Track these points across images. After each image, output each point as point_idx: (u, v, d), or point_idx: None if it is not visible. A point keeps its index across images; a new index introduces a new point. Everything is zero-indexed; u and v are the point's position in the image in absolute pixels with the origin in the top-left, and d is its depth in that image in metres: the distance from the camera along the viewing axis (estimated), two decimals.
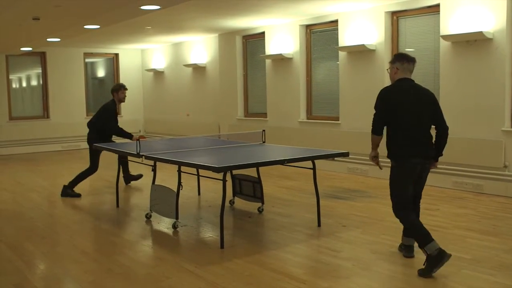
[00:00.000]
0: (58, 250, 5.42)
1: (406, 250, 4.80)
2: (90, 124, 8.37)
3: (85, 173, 8.15)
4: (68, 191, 8.05)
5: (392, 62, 4.72)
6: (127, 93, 8.40)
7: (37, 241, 5.65)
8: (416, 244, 4.57)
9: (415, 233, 4.48)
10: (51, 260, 5.06)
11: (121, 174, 8.50)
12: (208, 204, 7.19)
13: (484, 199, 7.04)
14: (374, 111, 4.63)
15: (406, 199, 4.56)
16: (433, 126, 4.69)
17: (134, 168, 8.77)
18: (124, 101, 8.43)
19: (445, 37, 7.56)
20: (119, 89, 8.25)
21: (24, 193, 8.41)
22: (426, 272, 4.26)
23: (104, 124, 8.13)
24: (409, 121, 4.49)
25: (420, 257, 4.55)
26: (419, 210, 4.84)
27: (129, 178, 8.83)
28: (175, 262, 4.81)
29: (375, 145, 4.78)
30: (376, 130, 4.66)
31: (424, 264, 4.30)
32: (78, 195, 8.03)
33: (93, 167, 8.10)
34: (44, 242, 5.63)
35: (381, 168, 4.98)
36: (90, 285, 4.30)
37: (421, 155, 4.55)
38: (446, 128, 4.71)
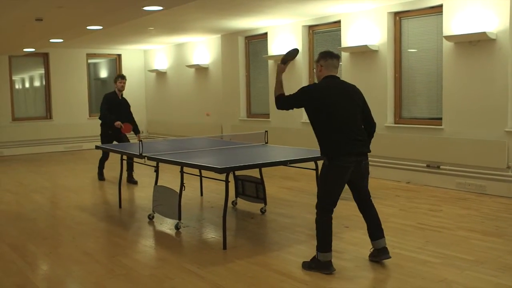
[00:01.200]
0: (60, 251, 5.42)
1: (382, 252, 4.61)
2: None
3: (100, 161, 9.27)
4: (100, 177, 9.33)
5: (317, 61, 4.66)
6: (131, 92, 8.73)
7: (39, 242, 5.65)
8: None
9: (322, 237, 4.41)
10: (53, 261, 5.06)
11: (125, 174, 8.65)
12: (210, 205, 7.18)
13: (487, 200, 7.02)
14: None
15: (335, 201, 4.52)
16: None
17: (136, 169, 8.78)
18: (122, 90, 9.07)
19: (448, 38, 7.55)
20: (116, 80, 9.09)
21: (26, 194, 8.42)
22: (307, 267, 4.47)
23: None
24: (342, 119, 4.40)
25: (420, 257, 4.55)
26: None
27: (130, 179, 8.95)
28: (178, 263, 4.80)
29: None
30: (282, 102, 4.80)
31: (311, 259, 4.49)
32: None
33: (104, 153, 9.01)
34: (47, 243, 5.63)
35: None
36: (93, 286, 4.30)
37: (356, 152, 4.45)
38: (374, 125, 4.70)
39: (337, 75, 4.64)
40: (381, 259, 4.59)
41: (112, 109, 8.85)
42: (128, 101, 9.25)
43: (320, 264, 4.39)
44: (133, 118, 9.23)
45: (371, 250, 4.69)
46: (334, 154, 4.38)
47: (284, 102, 4.73)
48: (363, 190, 4.76)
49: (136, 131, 9.14)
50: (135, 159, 6.37)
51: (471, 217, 6.18)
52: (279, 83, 4.82)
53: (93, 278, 4.48)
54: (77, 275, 4.63)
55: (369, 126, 4.66)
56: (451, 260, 4.63)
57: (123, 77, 9.12)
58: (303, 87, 4.67)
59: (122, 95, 9.09)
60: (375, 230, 4.66)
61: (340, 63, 9.44)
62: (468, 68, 7.50)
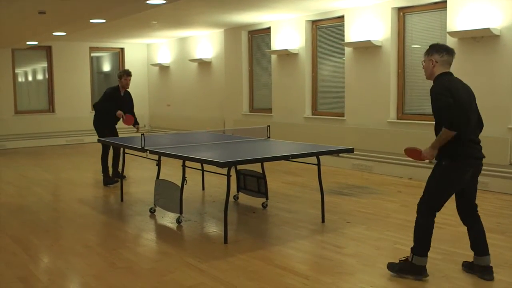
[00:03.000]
0: (62, 243, 5.43)
1: (485, 272, 4.16)
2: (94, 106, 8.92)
3: (101, 157, 8.55)
4: (108, 180, 8.47)
5: (430, 54, 4.30)
6: (133, 86, 8.50)
7: (41, 235, 5.66)
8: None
9: (422, 239, 4.13)
10: (55, 253, 5.08)
11: (105, 171, 8.56)
12: (212, 199, 7.18)
13: (490, 196, 7.01)
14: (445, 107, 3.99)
15: (443, 204, 4.28)
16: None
17: (138, 162, 8.77)
18: (127, 88, 8.63)
19: (452, 34, 7.52)
20: (122, 76, 8.56)
21: (29, 187, 8.43)
22: (394, 269, 4.20)
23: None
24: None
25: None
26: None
27: (115, 174, 8.72)
28: (179, 256, 4.81)
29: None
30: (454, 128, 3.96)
31: (399, 260, 4.22)
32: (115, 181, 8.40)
33: (103, 148, 8.50)
34: (48, 236, 5.65)
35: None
36: (94, 278, 4.31)
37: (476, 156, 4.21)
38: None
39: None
40: (483, 278, 4.15)
41: (114, 103, 8.46)
42: (132, 96, 8.92)
43: (415, 268, 4.08)
44: (133, 112, 8.88)
45: (467, 262, 4.36)
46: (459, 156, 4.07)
47: (455, 127, 3.94)
48: (473, 199, 4.40)
49: (136, 123, 8.74)
50: (137, 153, 6.35)
51: None
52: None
53: (94, 271, 4.49)
54: (78, 267, 4.63)
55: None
56: (453, 256, 4.63)
57: (129, 74, 8.55)
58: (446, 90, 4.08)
59: (125, 90, 8.73)
60: (479, 243, 4.26)
61: (343, 58, 9.48)
62: (472, 64, 7.47)
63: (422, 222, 4.16)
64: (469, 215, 4.35)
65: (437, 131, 4.10)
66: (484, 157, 4.19)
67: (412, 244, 4.18)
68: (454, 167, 4.08)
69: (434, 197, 4.21)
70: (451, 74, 4.24)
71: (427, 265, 4.13)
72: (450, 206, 6.45)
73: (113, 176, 8.55)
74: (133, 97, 8.97)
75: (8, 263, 4.72)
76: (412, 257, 4.11)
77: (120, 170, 7.47)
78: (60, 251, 5.13)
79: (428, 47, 4.31)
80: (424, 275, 4.10)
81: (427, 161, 4.31)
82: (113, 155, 8.54)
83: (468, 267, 4.30)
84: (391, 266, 4.24)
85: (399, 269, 4.18)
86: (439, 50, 4.22)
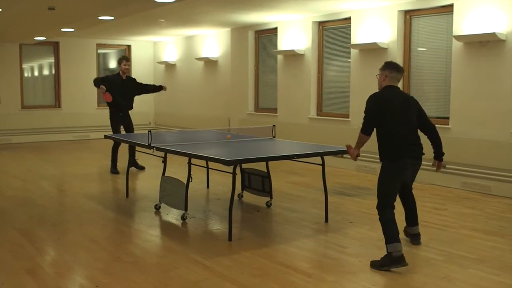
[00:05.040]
0: (68, 237, 5.51)
1: (415, 238, 5.11)
2: None
3: (113, 147, 9.02)
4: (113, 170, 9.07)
5: (384, 69, 5.00)
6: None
7: (48, 228, 5.74)
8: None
9: (388, 230, 4.56)
10: (61, 247, 5.15)
11: (114, 162, 8.87)
12: (217, 197, 7.24)
13: (492, 200, 7.05)
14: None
15: (394, 197, 4.80)
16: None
17: (144, 159, 8.84)
18: (126, 73, 9.10)
19: (458, 38, 7.56)
20: (121, 61, 9.08)
21: (35, 181, 8.51)
22: (377, 266, 4.44)
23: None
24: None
25: (424, 254, 4.61)
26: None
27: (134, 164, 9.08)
28: (184, 252, 4.87)
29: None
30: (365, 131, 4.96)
31: (381, 257, 4.47)
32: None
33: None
34: (55, 230, 5.72)
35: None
36: (100, 272, 4.38)
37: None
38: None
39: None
40: (413, 243, 5.05)
41: (113, 89, 8.88)
42: (136, 78, 9.45)
43: (393, 258, 4.40)
44: (147, 85, 9.47)
45: (406, 229, 5.20)
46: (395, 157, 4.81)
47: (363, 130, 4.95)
48: (410, 184, 5.16)
49: (158, 88, 9.39)
50: (144, 150, 6.42)
51: (475, 216, 6.22)
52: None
53: (100, 265, 4.56)
54: (85, 261, 4.70)
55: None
56: (454, 258, 4.68)
57: (127, 59, 9.14)
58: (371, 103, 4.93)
59: (126, 76, 9.15)
60: (412, 216, 5.14)
61: (349, 60, 9.52)
62: (477, 69, 7.52)
63: (384, 219, 4.65)
64: (406, 194, 5.13)
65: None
66: (423, 154, 4.99)
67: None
68: (394, 166, 4.76)
69: (387, 194, 4.74)
70: (394, 87, 4.94)
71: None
72: (451, 209, 6.54)
73: (129, 165, 8.65)
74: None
75: (16, 255, 4.79)
76: (387, 248, 4.45)
77: (128, 166, 7.52)
78: (67, 244, 5.21)
79: (383, 64, 5.05)
80: (403, 264, 4.38)
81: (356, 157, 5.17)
82: (129, 145, 8.64)
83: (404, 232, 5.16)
84: (373, 264, 4.50)
85: (380, 264, 4.45)
86: (390, 68, 4.96)
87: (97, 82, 9.00)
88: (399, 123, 4.78)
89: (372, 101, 4.85)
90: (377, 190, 4.81)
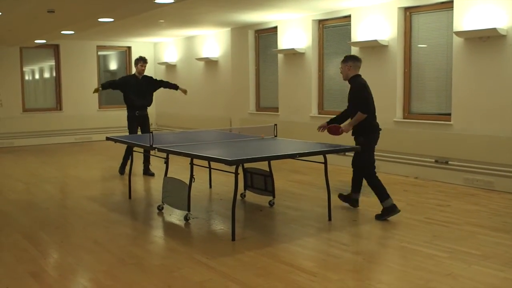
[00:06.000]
0: (71, 240, 5.50)
1: (355, 203, 6.42)
2: None
3: (127, 149, 8.73)
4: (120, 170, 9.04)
5: (346, 62, 6.13)
6: None
7: (51, 231, 5.74)
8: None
9: (380, 191, 5.93)
10: (65, 249, 5.14)
11: (139, 166, 8.73)
12: (219, 197, 7.24)
13: (495, 196, 7.04)
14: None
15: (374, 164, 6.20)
16: None
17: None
18: (143, 74, 9.06)
19: (458, 34, 7.55)
20: (137, 62, 9.04)
21: (38, 184, 8.51)
22: (380, 218, 5.83)
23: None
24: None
25: (428, 251, 4.60)
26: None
27: (146, 171, 8.99)
28: (187, 253, 4.87)
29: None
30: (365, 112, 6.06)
31: (381, 211, 5.87)
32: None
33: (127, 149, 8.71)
34: (58, 232, 5.72)
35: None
36: (103, 274, 4.37)
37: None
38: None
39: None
40: (355, 207, 6.44)
41: (129, 89, 8.89)
42: (152, 76, 9.42)
43: (389, 209, 5.84)
44: (165, 82, 9.42)
45: (351, 195, 6.50)
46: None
47: (367, 111, 6.04)
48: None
49: (174, 87, 9.40)
50: (144, 151, 6.42)
51: (479, 212, 6.21)
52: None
53: (104, 267, 4.55)
54: (89, 263, 4.70)
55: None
56: (458, 254, 4.67)
57: (145, 61, 9.08)
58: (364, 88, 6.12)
59: (143, 76, 9.10)
60: (360, 185, 6.43)
61: None
62: (478, 64, 7.50)
63: (374, 183, 6.01)
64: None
65: (352, 113, 6.08)
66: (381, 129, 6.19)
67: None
68: (372, 139, 6.14)
69: (371, 163, 6.14)
70: (360, 75, 6.17)
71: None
72: (455, 205, 6.54)
73: (144, 172, 9.02)
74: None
75: (19, 259, 4.79)
76: (382, 204, 5.88)
77: (130, 167, 7.52)
78: (70, 247, 5.20)
79: (344, 58, 6.23)
80: (397, 211, 5.85)
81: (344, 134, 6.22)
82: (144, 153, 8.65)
83: (343, 198, 6.51)
84: (378, 217, 5.88)
85: (381, 216, 5.86)
86: (352, 59, 6.18)
87: (106, 86, 9.08)
88: (373, 103, 6.07)
89: (364, 86, 6.06)
90: (362, 163, 6.12)
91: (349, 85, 6.23)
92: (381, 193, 5.92)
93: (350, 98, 6.19)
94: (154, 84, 9.25)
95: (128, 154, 8.50)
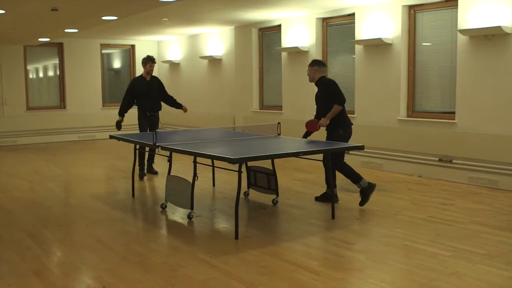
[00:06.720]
0: (75, 238, 5.51)
1: (335, 199, 6.31)
2: None
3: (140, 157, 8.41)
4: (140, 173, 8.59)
5: (313, 66, 6.62)
6: None
7: (54, 229, 5.74)
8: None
9: (353, 175, 6.33)
10: (68, 248, 5.15)
11: (141, 165, 8.63)
12: (223, 196, 7.23)
13: (499, 194, 7.01)
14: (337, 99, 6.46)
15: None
16: None
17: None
18: (151, 74, 8.81)
19: (463, 32, 7.52)
20: (146, 63, 8.74)
21: (41, 182, 8.52)
22: (364, 202, 6.28)
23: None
24: None
25: (432, 250, 4.58)
26: None
27: (150, 169, 8.89)
28: (190, 252, 4.86)
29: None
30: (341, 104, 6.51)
31: (360, 196, 6.29)
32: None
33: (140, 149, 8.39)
34: (62, 230, 5.72)
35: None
36: (106, 272, 4.37)
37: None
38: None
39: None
40: (336, 202, 6.44)
41: (139, 92, 8.63)
42: (162, 82, 9.10)
43: (366, 189, 6.29)
44: (169, 96, 9.08)
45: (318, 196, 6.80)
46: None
47: (342, 102, 6.47)
48: None
49: (178, 105, 9.07)
50: (149, 149, 6.41)
51: (483, 211, 6.18)
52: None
53: (106, 265, 4.55)
54: (92, 261, 4.70)
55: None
56: (462, 253, 4.65)
57: (153, 61, 8.77)
58: (334, 81, 6.65)
59: (151, 76, 8.85)
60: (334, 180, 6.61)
61: (353, 56, 9.48)
62: (482, 63, 7.47)
63: (346, 170, 6.39)
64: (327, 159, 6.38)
65: (324, 111, 6.48)
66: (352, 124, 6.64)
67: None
68: (345, 132, 6.50)
69: (342, 156, 6.49)
70: (325, 76, 6.68)
71: None
72: (458, 204, 6.52)
73: (146, 169, 8.81)
74: None
75: (23, 256, 4.79)
76: (359, 185, 6.30)
77: (133, 166, 7.52)
78: (73, 245, 5.21)
79: (311, 62, 6.74)
80: (374, 187, 6.34)
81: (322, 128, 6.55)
82: (149, 151, 8.49)
83: (321, 199, 6.69)
84: (361, 203, 6.30)
85: (363, 200, 6.31)
86: (318, 64, 6.66)
87: (123, 107, 8.73)
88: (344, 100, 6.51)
89: (335, 83, 6.58)
90: (342, 158, 6.42)
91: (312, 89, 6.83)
92: (354, 176, 6.31)
93: (320, 97, 6.62)
94: (164, 91, 9.00)
95: (139, 157, 8.33)
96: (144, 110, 8.67)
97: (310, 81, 6.73)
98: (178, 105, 9.10)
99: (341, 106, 6.36)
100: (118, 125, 8.69)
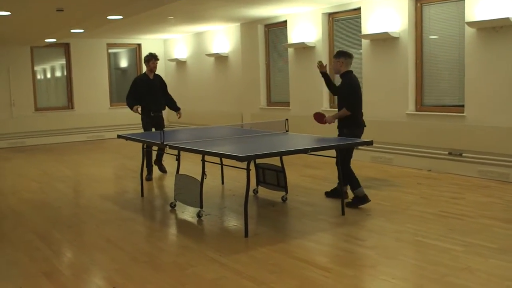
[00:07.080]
0: (84, 238, 5.51)
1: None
2: None
3: (147, 158, 8.23)
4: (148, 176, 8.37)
5: (338, 57, 6.35)
6: None
7: (64, 230, 5.74)
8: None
9: (353, 179, 6.16)
10: (78, 248, 5.15)
11: (149, 167, 8.58)
12: (232, 193, 7.22)
13: (510, 188, 6.95)
14: (352, 99, 6.34)
15: None
16: None
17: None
18: (155, 71, 8.66)
19: (470, 24, 7.45)
20: (149, 60, 8.59)
21: (50, 183, 8.54)
22: (350, 205, 6.09)
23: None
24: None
25: (443, 245, 4.54)
26: None
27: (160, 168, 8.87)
28: (200, 250, 4.84)
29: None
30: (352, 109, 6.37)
31: (352, 200, 6.17)
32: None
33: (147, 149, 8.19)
34: (71, 231, 5.72)
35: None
36: (116, 273, 4.36)
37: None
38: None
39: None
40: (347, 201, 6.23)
41: (143, 91, 8.47)
42: (165, 81, 8.97)
43: (360, 199, 6.09)
44: (170, 97, 8.91)
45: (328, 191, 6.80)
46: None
47: (352, 110, 6.31)
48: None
49: (176, 108, 8.84)
50: (158, 148, 6.40)
51: (494, 205, 6.13)
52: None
53: (116, 265, 4.54)
54: (101, 262, 4.70)
55: None
56: (474, 248, 4.60)
57: (156, 58, 8.61)
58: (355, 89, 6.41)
59: (154, 74, 8.70)
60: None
61: (360, 50, 9.43)
62: (491, 55, 7.40)
63: (349, 172, 6.21)
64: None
65: (339, 106, 6.40)
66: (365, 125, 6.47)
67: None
68: (354, 133, 6.31)
69: (351, 155, 6.38)
70: (352, 71, 6.40)
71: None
72: (469, 198, 6.46)
73: (155, 162, 8.76)
74: None
75: (32, 258, 4.80)
76: (355, 192, 6.13)
77: (142, 165, 7.52)
78: (83, 246, 5.21)
79: (336, 53, 6.47)
80: (368, 200, 6.10)
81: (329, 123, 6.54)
82: (158, 149, 8.39)
83: (331, 194, 6.66)
84: (348, 204, 6.07)
85: (352, 204, 6.10)
86: (344, 55, 6.35)
87: (130, 101, 8.54)
88: (361, 101, 6.43)
89: (355, 84, 6.34)
90: (345, 153, 6.21)
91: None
92: (354, 182, 6.17)
93: (340, 92, 6.52)
94: (165, 89, 8.87)
95: (146, 157, 8.08)
96: (148, 110, 8.50)
97: (336, 73, 6.55)
98: (176, 108, 8.88)
99: (350, 112, 6.23)
100: (137, 112, 8.51)
